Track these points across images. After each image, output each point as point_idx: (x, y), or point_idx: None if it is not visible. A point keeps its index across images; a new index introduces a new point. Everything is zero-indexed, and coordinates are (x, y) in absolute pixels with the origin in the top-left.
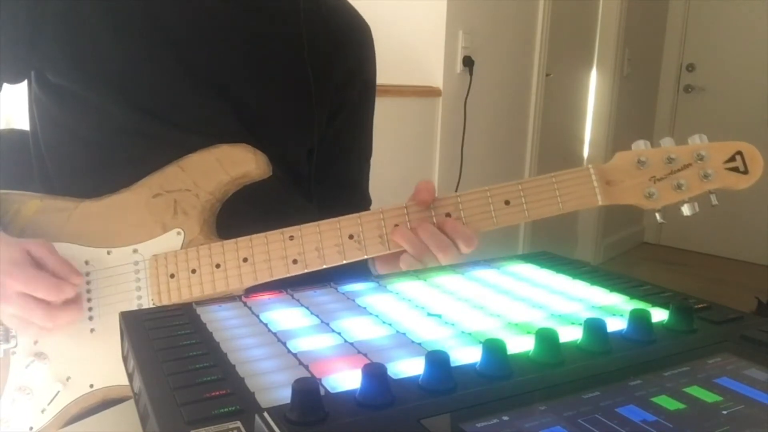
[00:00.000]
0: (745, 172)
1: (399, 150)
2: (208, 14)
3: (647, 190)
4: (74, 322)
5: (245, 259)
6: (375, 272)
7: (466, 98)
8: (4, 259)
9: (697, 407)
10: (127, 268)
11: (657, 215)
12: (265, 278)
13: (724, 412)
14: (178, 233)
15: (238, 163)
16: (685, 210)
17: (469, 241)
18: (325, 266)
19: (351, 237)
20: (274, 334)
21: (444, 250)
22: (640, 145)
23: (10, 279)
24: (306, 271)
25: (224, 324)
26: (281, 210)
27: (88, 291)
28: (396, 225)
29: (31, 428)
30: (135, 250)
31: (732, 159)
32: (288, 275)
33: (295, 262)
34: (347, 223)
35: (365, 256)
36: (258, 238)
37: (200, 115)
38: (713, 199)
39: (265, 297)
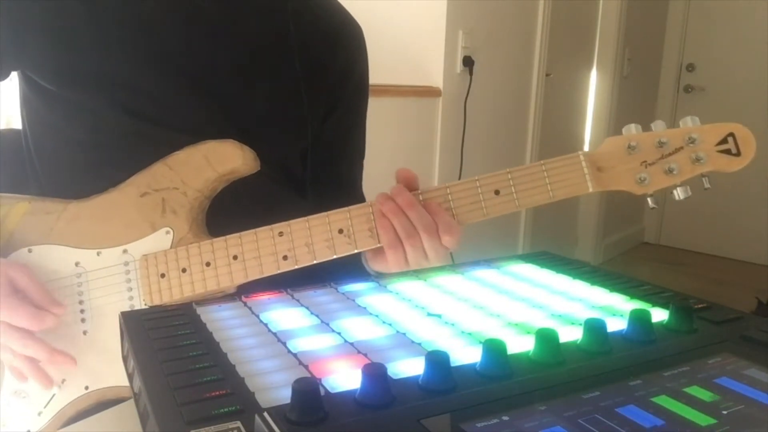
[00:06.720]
0: (738, 154)
1: (399, 150)
2: (196, 15)
3: (638, 176)
4: (50, 350)
5: (235, 257)
6: (372, 272)
7: (466, 98)
8: None
9: (696, 407)
10: (117, 269)
11: (649, 200)
12: (255, 275)
13: (724, 412)
14: (167, 232)
15: (226, 160)
16: (678, 194)
17: (449, 227)
18: (315, 261)
19: (341, 231)
20: (274, 334)
21: (429, 230)
22: (631, 130)
23: None
24: (296, 267)
25: (224, 324)
26: (274, 207)
27: (80, 293)
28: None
29: (28, 431)
30: (125, 251)
31: (724, 141)
32: (278, 272)
33: (285, 258)
34: (336, 217)
35: (355, 250)
36: (247, 235)
37: (190, 116)
38: (705, 183)
39: (265, 297)
